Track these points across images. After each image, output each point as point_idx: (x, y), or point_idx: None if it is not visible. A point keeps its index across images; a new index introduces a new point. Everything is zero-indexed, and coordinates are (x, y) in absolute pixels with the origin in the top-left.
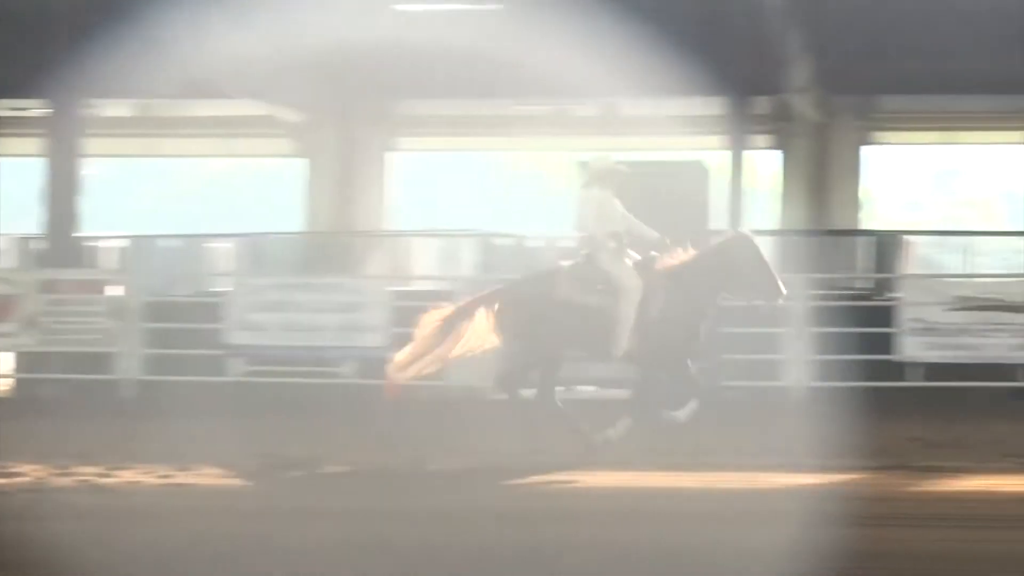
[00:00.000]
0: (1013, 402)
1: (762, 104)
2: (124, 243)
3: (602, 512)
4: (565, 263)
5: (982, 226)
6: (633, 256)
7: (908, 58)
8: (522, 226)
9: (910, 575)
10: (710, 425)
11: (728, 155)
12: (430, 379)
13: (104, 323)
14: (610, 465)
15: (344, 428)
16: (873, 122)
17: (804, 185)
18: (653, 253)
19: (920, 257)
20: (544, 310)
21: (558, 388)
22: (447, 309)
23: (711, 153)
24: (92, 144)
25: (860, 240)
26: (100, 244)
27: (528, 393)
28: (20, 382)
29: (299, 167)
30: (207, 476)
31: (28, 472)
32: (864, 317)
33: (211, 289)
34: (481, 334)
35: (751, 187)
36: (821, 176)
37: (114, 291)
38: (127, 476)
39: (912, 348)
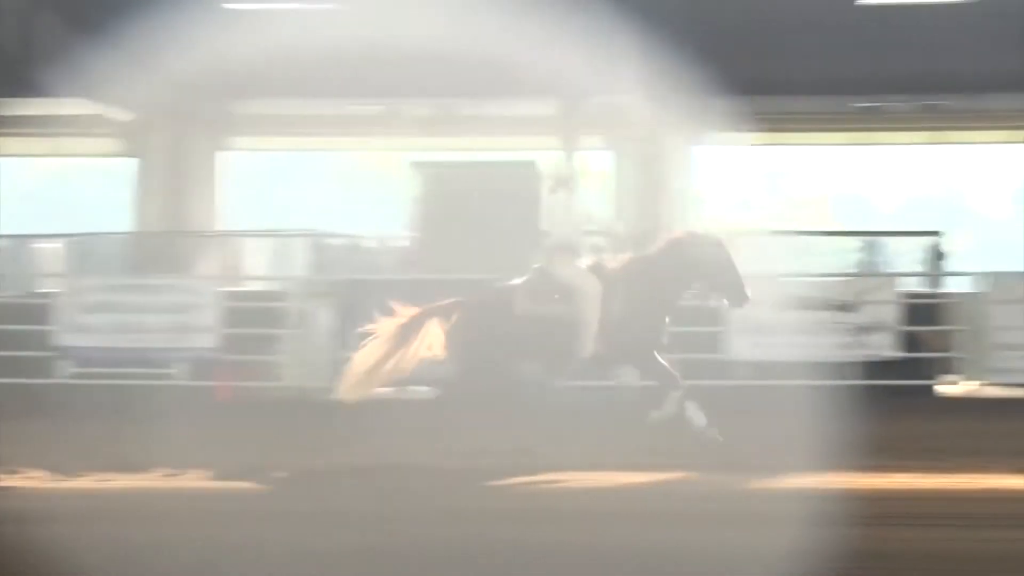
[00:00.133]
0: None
1: (594, 105)
2: None
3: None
4: (518, 279)
5: (813, 226)
6: (588, 257)
7: (739, 60)
8: (356, 226)
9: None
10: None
11: (560, 156)
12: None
13: None
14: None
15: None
16: (704, 122)
17: (634, 185)
18: (607, 252)
19: (751, 257)
20: (500, 325)
21: None
22: (402, 317)
23: (543, 153)
24: None
25: None
26: None
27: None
28: None
29: (129, 167)
30: (33, 479)
31: None
32: (690, 315)
33: (39, 290)
34: (429, 345)
35: (584, 188)
36: (652, 176)
37: None
38: None
39: (739, 347)
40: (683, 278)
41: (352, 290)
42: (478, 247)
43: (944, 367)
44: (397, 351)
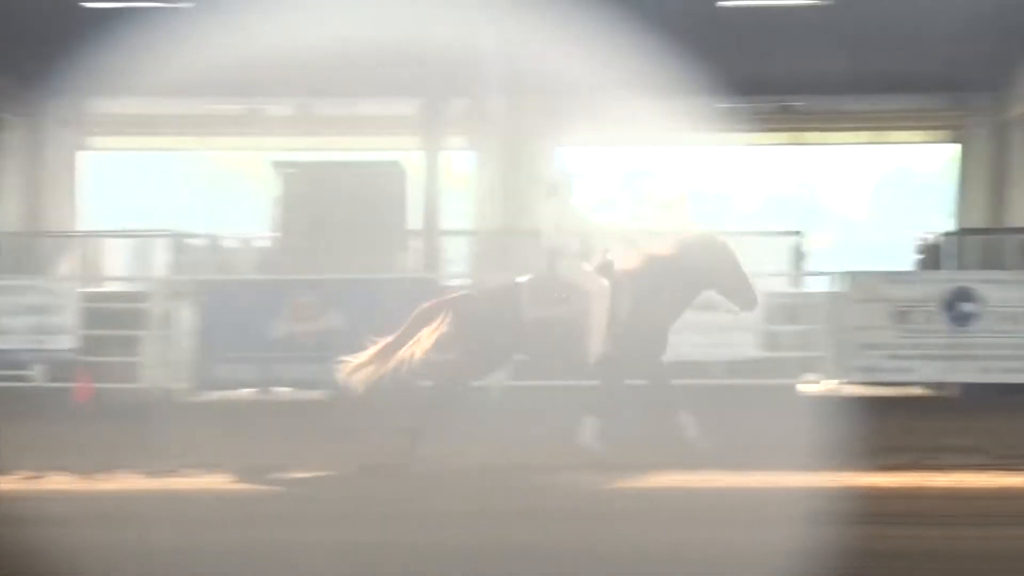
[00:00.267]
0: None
1: (456, 105)
2: None
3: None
4: (523, 277)
5: (673, 226)
6: (593, 260)
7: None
8: (218, 226)
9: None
10: None
11: (423, 155)
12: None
13: None
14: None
15: (32, 431)
16: (565, 123)
17: (497, 185)
18: (610, 256)
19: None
20: (504, 324)
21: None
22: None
23: (407, 153)
24: None
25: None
26: None
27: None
28: None
29: None
30: None
31: None
32: None
33: None
34: (428, 340)
35: (447, 187)
36: (513, 176)
37: None
38: None
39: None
40: (693, 283)
41: (213, 291)
42: (342, 247)
43: (805, 366)
44: (403, 343)
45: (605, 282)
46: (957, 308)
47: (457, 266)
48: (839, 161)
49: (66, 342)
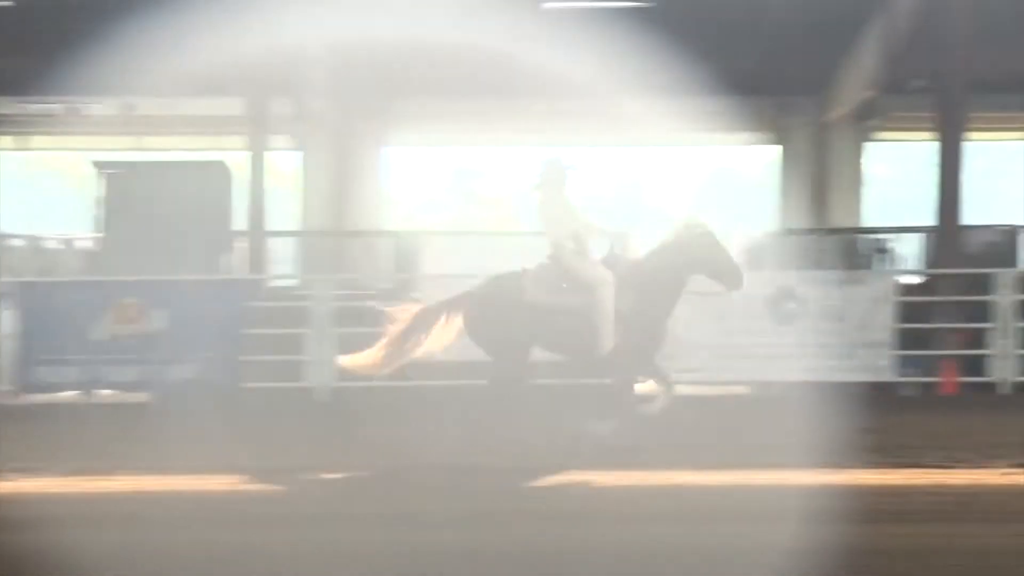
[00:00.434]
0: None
1: (282, 104)
2: None
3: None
4: (530, 266)
5: (499, 225)
6: (597, 252)
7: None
8: (39, 227)
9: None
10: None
11: (249, 155)
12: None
13: None
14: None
15: None
16: (394, 123)
17: (325, 185)
18: (616, 248)
19: (440, 257)
20: (513, 313)
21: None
22: (416, 307)
23: (232, 153)
24: None
25: (381, 240)
26: None
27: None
28: None
29: None
30: None
31: None
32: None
33: None
34: (442, 337)
35: (273, 187)
36: (342, 176)
37: None
38: None
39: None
40: (686, 268)
41: (34, 292)
42: (166, 248)
43: None
44: (412, 338)
45: (610, 274)
46: (780, 307)
47: (283, 267)
48: (664, 162)
49: None
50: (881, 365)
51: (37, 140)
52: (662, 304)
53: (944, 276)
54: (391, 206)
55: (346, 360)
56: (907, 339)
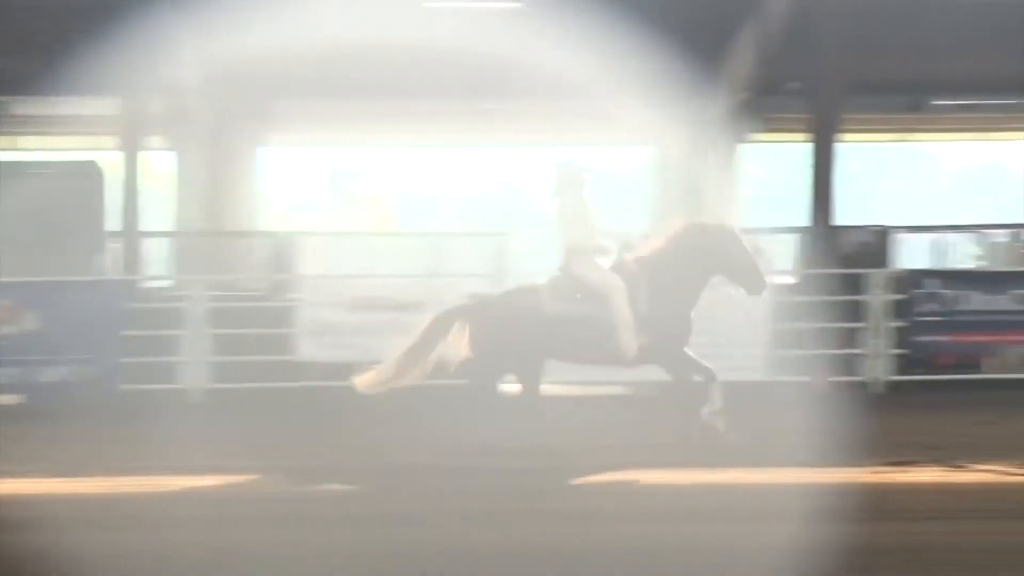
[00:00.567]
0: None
1: (156, 104)
2: None
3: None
4: (542, 278)
5: (376, 225)
6: (607, 256)
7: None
8: None
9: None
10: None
11: (122, 156)
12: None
13: None
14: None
15: None
16: (268, 124)
17: (199, 186)
18: (625, 251)
19: (317, 257)
20: (527, 324)
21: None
22: (429, 317)
23: (105, 153)
24: None
25: (257, 241)
26: None
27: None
28: None
29: None
30: None
31: None
32: (262, 318)
33: None
34: (456, 346)
35: (146, 188)
36: (216, 176)
37: None
38: None
39: (308, 348)
40: (704, 269)
41: None
42: (37, 249)
43: None
44: (423, 349)
45: (619, 279)
46: None
47: (158, 268)
48: (543, 162)
49: None
50: (754, 365)
51: None
52: (680, 301)
53: (817, 276)
54: (267, 206)
55: (361, 380)
56: (781, 339)
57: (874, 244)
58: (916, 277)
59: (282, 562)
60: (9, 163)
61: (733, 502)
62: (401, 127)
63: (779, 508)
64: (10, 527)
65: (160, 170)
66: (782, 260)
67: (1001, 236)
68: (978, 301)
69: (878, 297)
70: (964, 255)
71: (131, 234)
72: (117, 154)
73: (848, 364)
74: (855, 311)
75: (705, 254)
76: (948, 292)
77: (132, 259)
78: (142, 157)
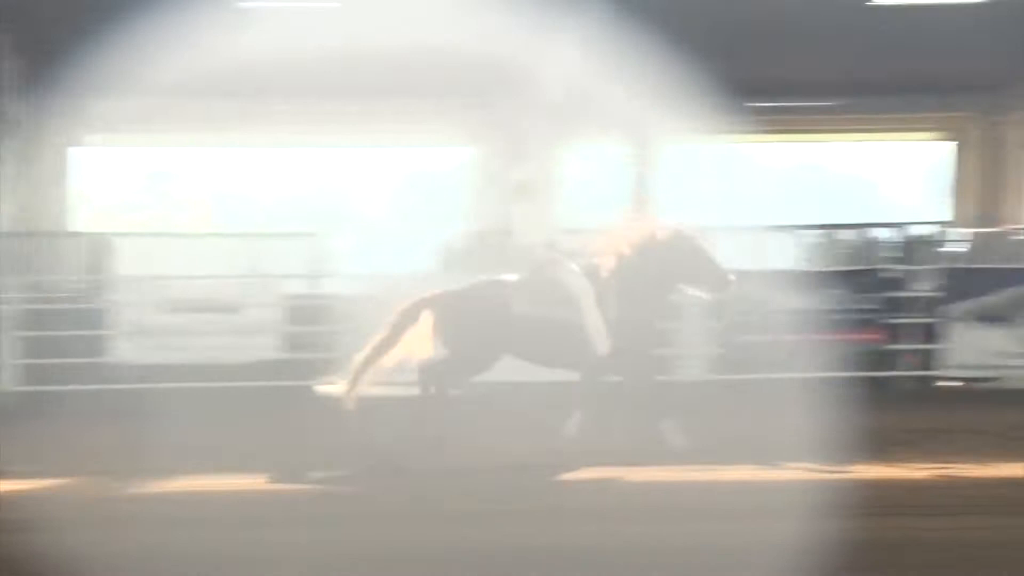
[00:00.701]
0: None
1: None
2: None
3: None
4: (509, 276)
5: (195, 227)
6: (577, 260)
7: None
8: None
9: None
10: None
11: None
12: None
13: None
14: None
15: None
16: (83, 124)
17: (10, 186)
18: (595, 259)
19: (134, 259)
20: (494, 322)
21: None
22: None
23: None
24: None
25: (71, 242)
26: None
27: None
28: None
29: None
30: None
31: None
32: (76, 320)
33: None
34: (421, 340)
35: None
36: (28, 177)
37: None
38: None
39: (124, 351)
40: (668, 277)
41: None
42: None
43: (327, 367)
44: (390, 345)
45: (588, 283)
46: None
47: None
48: (360, 163)
49: None
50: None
51: None
52: (645, 310)
53: None
54: (84, 207)
55: (335, 390)
56: None
57: None
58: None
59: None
60: None
61: None
62: (218, 128)
63: None
64: None
65: None
66: None
67: (816, 237)
68: (788, 302)
69: None
70: (783, 255)
71: None
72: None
73: None
74: None
75: (670, 265)
76: (761, 293)
77: None
78: None
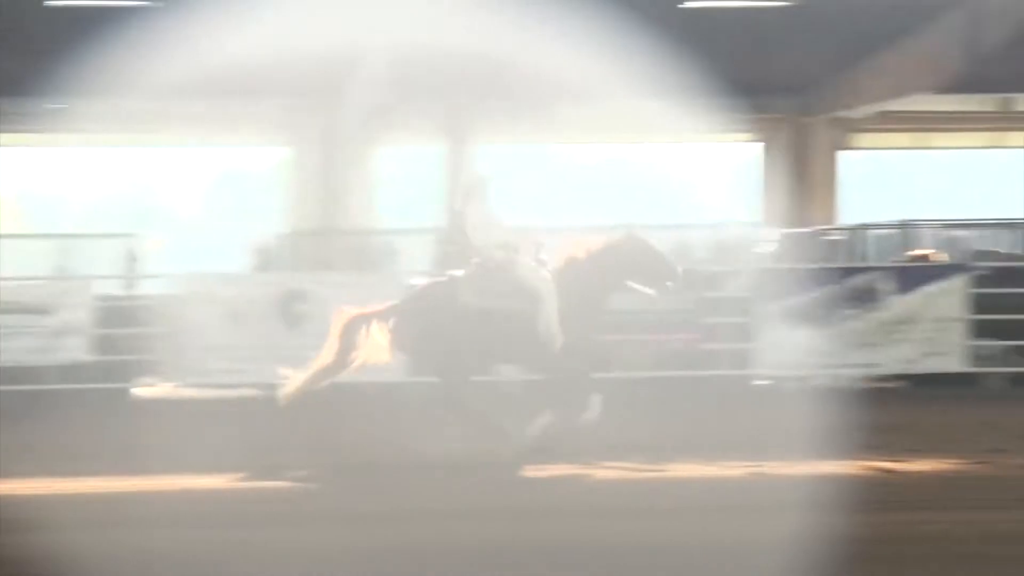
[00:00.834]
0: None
1: None
2: None
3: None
4: (459, 272)
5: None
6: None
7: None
8: None
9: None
10: None
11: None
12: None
13: None
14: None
15: None
16: None
17: None
18: (543, 255)
19: None
20: (448, 320)
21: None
22: (350, 313)
23: None
24: None
25: None
26: None
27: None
28: None
29: None
30: None
31: None
32: None
33: None
34: (377, 347)
35: None
36: None
37: None
38: None
39: None
40: (615, 277)
41: None
42: None
43: (140, 369)
44: (339, 353)
45: (548, 275)
46: (290, 309)
47: None
48: (171, 163)
49: None
50: None
51: None
52: (589, 310)
53: None
54: None
55: (286, 390)
56: None
57: None
58: None
59: None
60: None
61: None
62: (27, 127)
63: None
64: None
65: None
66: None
67: None
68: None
69: None
70: None
71: None
72: None
73: None
74: None
75: (616, 267)
76: None
77: None
78: None
